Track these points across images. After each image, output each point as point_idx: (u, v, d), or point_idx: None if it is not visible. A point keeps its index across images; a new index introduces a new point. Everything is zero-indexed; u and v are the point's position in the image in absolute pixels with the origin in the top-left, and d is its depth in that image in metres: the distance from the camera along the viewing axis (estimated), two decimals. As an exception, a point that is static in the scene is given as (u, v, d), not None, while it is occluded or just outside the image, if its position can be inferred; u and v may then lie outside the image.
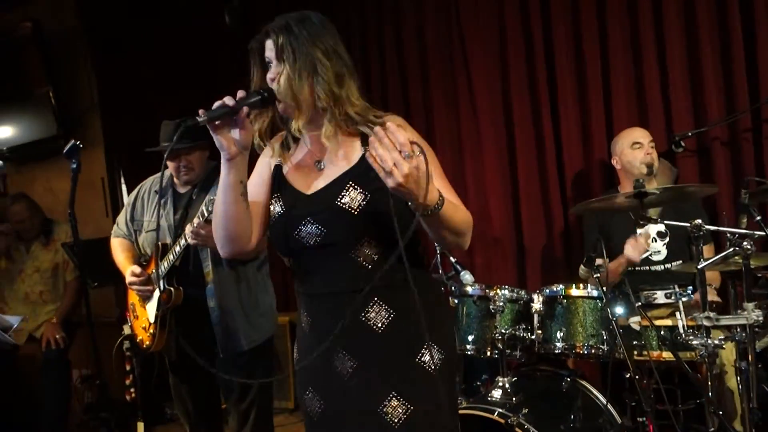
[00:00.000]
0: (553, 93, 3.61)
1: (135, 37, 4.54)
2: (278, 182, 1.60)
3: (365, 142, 1.49)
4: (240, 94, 1.46)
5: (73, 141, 2.37)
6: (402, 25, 3.99)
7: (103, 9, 4.55)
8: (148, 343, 2.67)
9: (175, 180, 2.71)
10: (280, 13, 1.57)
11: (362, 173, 1.47)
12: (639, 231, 2.95)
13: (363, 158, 1.48)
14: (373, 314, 1.50)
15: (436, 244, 3.00)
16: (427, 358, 1.49)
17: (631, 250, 2.67)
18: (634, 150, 3.06)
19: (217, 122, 1.44)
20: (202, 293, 2.57)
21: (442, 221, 1.36)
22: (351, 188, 1.46)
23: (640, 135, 3.09)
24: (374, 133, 1.24)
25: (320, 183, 1.52)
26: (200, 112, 1.42)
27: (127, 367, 3.74)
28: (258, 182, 1.63)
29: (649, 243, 2.88)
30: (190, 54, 4.51)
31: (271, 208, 1.58)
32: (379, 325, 1.50)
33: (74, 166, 2.37)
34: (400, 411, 1.46)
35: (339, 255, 1.48)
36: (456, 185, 3.82)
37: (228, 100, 1.43)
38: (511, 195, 3.77)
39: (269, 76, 1.50)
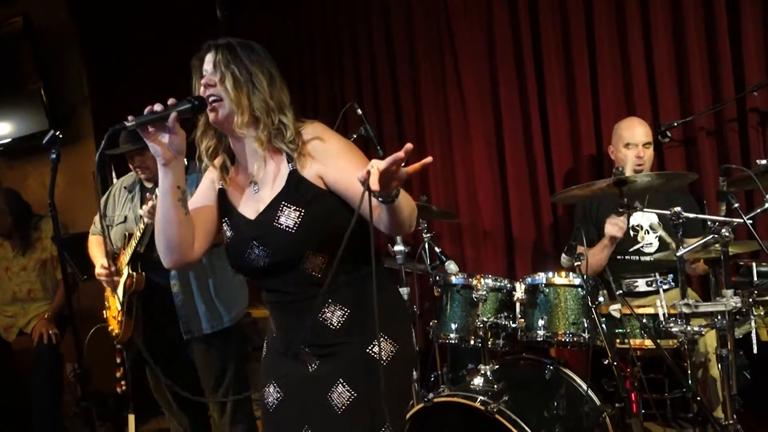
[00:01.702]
0: (541, 85, 3.62)
1: (126, 31, 4.54)
2: (224, 206, 1.69)
3: (290, 159, 1.58)
4: (171, 101, 1.52)
5: (52, 131, 2.37)
6: (390, 21, 3.99)
7: (94, 3, 4.56)
8: (117, 331, 2.77)
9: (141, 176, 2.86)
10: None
11: (292, 190, 1.55)
12: (630, 232, 2.95)
13: (290, 175, 1.56)
14: (329, 314, 1.58)
15: (425, 234, 3.03)
16: (377, 349, 1.56)
17: (610, 226, 2.64)
18: (627, 149, 3.04)
19: (149, 129, 1.51)
20: (168, 279, 2.70)
21: (402, 205, 1.41)
22: (285, 208, 1.54)
23: (637, 136, 3.02)
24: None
25: (259, 206, 1.60)
26: (128, 117, 1.48)
27: (118, 360, 3.75)
28: (201, 195, 1.72)
29: (625, 221, 2.86)
30: (181, 48, 4.50)
31: (224, 231, 1.68)
32: (335, 323, 1.58)
33: (54, 156, 2.35)
34: (345, 398, 1.54)
35: (289, 270, 1.56)
36: (445, 179, 3.90)
37: (157, 106, 1.50)
38: (500, 188, 3.78)
39: (203, 81, 1.57)
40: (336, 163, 1.54)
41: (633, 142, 3.03)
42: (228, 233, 1.66)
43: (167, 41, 4.50)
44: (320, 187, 1.55)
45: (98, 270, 2.74)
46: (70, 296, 2.90)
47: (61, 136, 2.47)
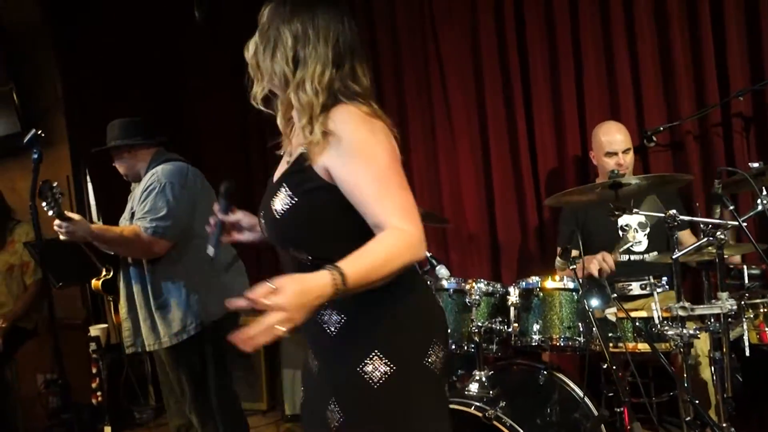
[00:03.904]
0: (527, 90, 3.62)
1: (100, 32, 4.42)
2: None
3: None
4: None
5: (33, 130, 2.29)
6: (375, 29, 3.96)
7: (68, 3, 4.43)
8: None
9: None
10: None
11: (294, 174, 1.38)
12: (620, 232, 2.95)
13: (299, 157, 1.38)
14: (326, 317, 1.40)
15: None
16: (369, 368, 1.34)
17: (594, 266, 2.64)
18: (608, 158, 3.03)
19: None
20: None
21: (362, 285, 1.20)
22: (283, 190, 1.37)
23: (615, 144, 3.02)
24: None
25: (276, 177, 1.48)
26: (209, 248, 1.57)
27: (93, 370, 3.63)
28: None
29: (617, 256, 2.84)
30: (158, 50, 4.42)
31: None
32: (332, 328, 1.40)
33: (35, 156, 2.27)
34: (335, 418, 1.39)
35: (284, 254, 1.44)
36: (430, 182, 3.87)
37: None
38: (485, 191, 3.76)
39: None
40: (346, 161, 1.30)
41: (612, 150, 3.03)
42: None
43: (143, 43, 4.40)
44: (325, 180, 1.32)
45: None
46: (51, 302, 2.79)
47: (43, 135, 2.39)
